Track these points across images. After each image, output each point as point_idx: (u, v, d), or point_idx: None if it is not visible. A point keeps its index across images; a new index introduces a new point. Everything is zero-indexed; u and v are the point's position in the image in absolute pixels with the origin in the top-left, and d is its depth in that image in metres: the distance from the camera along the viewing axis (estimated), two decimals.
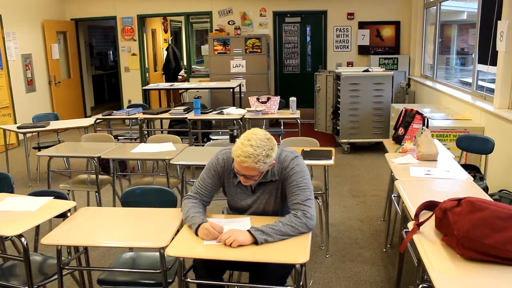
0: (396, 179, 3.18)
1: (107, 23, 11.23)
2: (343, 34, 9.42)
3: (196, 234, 2.36)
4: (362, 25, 9.32)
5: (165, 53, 11.53)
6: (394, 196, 3.90)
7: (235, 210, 2.71)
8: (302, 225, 2.33)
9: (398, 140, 4.36)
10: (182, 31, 13.40)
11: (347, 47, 9.47)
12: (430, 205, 2.40)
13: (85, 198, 4.98)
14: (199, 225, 2.36)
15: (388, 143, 4.46)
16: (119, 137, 6.69)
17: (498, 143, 4.33)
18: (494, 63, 5.11)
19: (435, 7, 7.83)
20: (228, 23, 9.63)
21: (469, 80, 6.15)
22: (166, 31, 12.63)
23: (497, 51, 4.95)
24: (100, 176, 4.47)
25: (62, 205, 2.83)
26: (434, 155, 3.59)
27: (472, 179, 3.18)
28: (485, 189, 3.96)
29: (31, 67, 8.83)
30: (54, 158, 4.69)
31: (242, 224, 2.47)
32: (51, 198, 2.95)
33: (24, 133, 5.94)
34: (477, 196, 2.24)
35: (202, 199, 2.63)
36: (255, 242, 2.25)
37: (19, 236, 2.48)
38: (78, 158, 5.86)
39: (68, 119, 7.14)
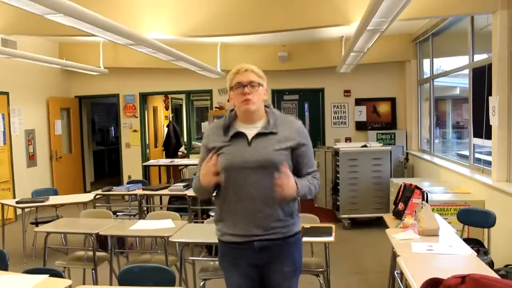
0: (398, 256, 3.13)
1: (110, 100, 11.50)
2: (341, 111, 9.63)
3: (202, 183, 2.45)
4: (358, 101, 9.55)
5: (166, 129, 11.70)
6: (397, 273, 3.81)
7: (231, 170, 2.46)
8: (317, 187, 2.58)
9: (399, 215, 4.32)
10: (183, 108, 13.67)
11: (345, 123, 9.65)
12: (434, 283, 2.33)
13: (81, 275, 4.86)
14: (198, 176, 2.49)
15: (388, 218, 4.42)
16: (118, 213, 6.63)
17: (500, 216, 4.29)
18: (488, 136, 5.18)
19: (428, 84, 8.07)
20: (228, 100, 9.82)
21: (466, 153, 6.22)
22: (167, 108, 12.90)
23: (491, 125, 5.03)
24: (97, 253, 4.39)
25: (57, 284, 2.77)
26: (435, 230, 3.55)
27: (476, 254, 3.14)
28: (490, 264, 3.89)
29: (34, 142, 8.94)
30: (51, 234, 4.62)
31: None
32: (46, 276, 2.88)
33: (22, 208, 5.90)
34: (482, 272, 2.20)
35: None
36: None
37: None
38: (76, 234, 5.78)
39: (67, 194, 7.11)
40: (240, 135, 2.50)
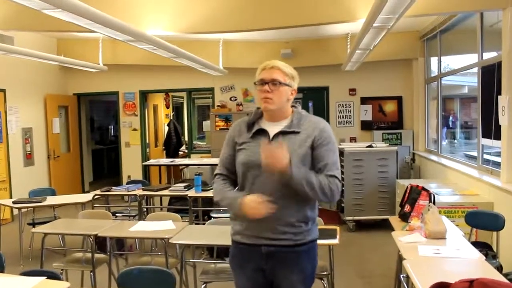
0: (404, 259, 3.10)
1: (109, 97, 11.43)
2: (346, 110, 9.54)
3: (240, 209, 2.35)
4: (364, 100, 9.45)
5: (167, 128, 11.63)
6: (403, 277, 3.77)
7: (249, 167, 2.46)
8: (327, 191, 2.34)
9: (405, 217, 4.26)
10: (184, 106, 13.61)
11: (350, 122, 9.56)
12: (441, 287, 2.28)
13: (79, 278, 4.79)
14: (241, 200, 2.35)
15: (394, 220, 4.38)
16: (117, 214, 6.59)
17: (509, 219, 4.24)
18: (498, 137, 5.11)
19: (436, 82, 7.97)
20: (230, 99, 9.78)
21: (474, 153, 6.15)
22: (168, 107, 12.83)
23: (500, 125, 4.96)
24: (96, 255, 4.34)
25: (55, 286, 2.75)
26: (442, 233, 3.51)
27: (484, 258, 3.13)
28: (499, 268, 3.83)
29: (31, 141, 8.86)
30: (49, 235, 4.56)
31: None
32: (43, 278, 2.84)
33: (19, 209, 5.85)
34: (490, 276, 2.20)
35: (229, 173, 2.58)
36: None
37: None
38: (74, 236, 5.73)
39: (65, 194, 7.07)
40: (262, 132, 2.50)
